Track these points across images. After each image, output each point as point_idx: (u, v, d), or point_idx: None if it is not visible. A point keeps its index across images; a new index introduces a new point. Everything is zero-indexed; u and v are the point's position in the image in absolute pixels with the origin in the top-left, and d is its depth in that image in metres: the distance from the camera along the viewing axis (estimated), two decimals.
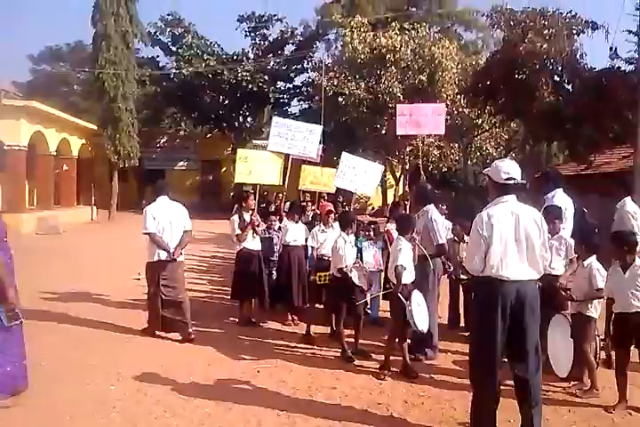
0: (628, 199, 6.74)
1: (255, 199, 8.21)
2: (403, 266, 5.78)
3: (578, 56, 16.35)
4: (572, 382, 5.54)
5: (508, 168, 4.35)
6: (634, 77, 14.05)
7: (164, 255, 7.00)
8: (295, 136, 8.77)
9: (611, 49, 16.17)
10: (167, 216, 7.09)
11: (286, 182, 9.24)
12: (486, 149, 26.03)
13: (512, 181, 4.30)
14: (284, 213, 8.50)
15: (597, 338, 5.65)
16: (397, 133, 9.74)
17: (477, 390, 4.36)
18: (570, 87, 16.73)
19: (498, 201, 4.35)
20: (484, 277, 4.28)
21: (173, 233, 7.08)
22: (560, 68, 16.39)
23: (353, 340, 6.57)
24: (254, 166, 8.55)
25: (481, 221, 4.28)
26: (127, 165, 24.82)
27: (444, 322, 7.74)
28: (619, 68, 16.14)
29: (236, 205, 8.13)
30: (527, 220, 4.27)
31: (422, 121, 9.05)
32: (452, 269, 7.51)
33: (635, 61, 14.97)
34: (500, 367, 4.27)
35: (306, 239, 8.00)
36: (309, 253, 7.91)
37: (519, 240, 4.22)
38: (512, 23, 16.35)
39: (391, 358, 5.92)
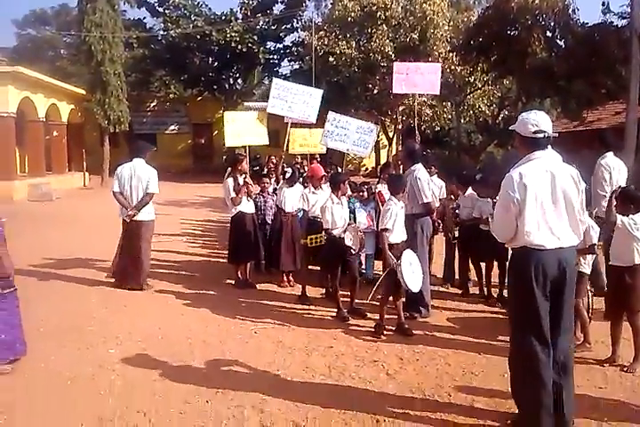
0: (609, 154, 6.67)
1: (247, 162, 8.18)
2: (388, 229, 5.85)
3: (570, 11, 16.11)
4: None
5: (537, 120, 3.81)
6: (626, 32, 13.88)
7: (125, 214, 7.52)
8: (295, 99, 8.64)
9: (603, 4, 15.94)
10: (134, 177, 7.50)
11: (285, 145, 9.19)
12: (479, 107, 25.89)
13: (542, 135, 3.78)
14: (283, 178, 8.44)
15: (589, 293, 5.74)
16: (393, 91, 9.66)
17: (523, 372, 3.84)
18: (562, 43, 16.54)
19: (528, 158, 3.82)
20: (520, 247, 3.82)
21: (139, 194, 7.50)
22: (552, 24, 16.15)
23: (349, 300, 6.65)
24: (242, 128, 8.47)
25: (511, 181, 3.75)
26: (117, 129, 24.56)
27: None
28: (611, 22, 15.92)
29: (229, 169, 8.09)
30: (564, 178, 3.76)
31: (418, 80, 8.95)
32: (444, 227, 7.57)
33: (627, 16, 14.76)
34: (549, 347, 3.74)
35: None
36: (300, 215, 7.91)
37: (556, 202, 3.74)
38: None
39: (386, 316, 6.00)
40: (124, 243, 7.72)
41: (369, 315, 6.47)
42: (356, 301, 6.69)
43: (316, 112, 8.82)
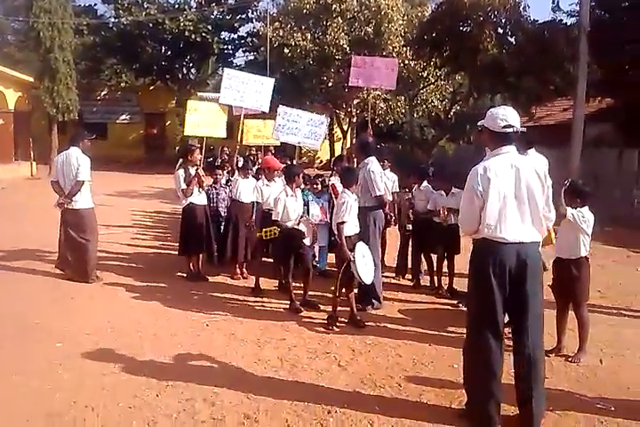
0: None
1: (202, 153, 8.07)
2: (345, 222, 5.86)
3: (521, 9, 16.47)
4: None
5: (506, 115, 3.85)
6: (575, 30, 14.22)
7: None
8: (247, 89, 8.58)
9: (553, 2, 16.33)
10: (65, 166, 7.48)
11: (239, 136, 9.09)
12: (432, 101, 26.18)
13: (511, 129, 3.82)
14: (237, 168, 8.38)
15: None
16: (349, 84, 9.70)
17: (475, 362, 3.92)
18: (513, 40, 16.88)
19: (496, 153, 3.86)
20: (480, 239, 3.88)
21: (71, 183, 7.49)
22: (503, 21, 16.48)
23: (302, 292, 6.66)
24: (203, 119, 8.35)
25: (476, 174, 3.80)
26: (66, 118, 23.93)
27: (391, 273, 7.98)
28: (560, 20, 16.36)
29: (181, 160, 7.98)
30: (529, 173, 3.80)
31: (375, 74, 8.99)
32: (398, 220, 7.64)
33: (576, 14, 15.12)
34: (502, 340, 3.87)
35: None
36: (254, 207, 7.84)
37: (520, 197, 3.78)
38: None
39: (338, 308, 6.03)
40: (64, 233, 7.61)
41: (322, 307, 6.50)
42: (310, 293, 6.70)
43: (269, 101, 8.79)
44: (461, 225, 4.09)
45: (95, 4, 30.91)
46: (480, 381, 3.86)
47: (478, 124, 4.06)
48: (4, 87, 22.51)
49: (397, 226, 7.97)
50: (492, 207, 3.75)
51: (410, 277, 7.87)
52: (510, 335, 3.98)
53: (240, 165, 8.36)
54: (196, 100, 8.81)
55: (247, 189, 7.88)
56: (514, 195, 3.78)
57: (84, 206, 7.56)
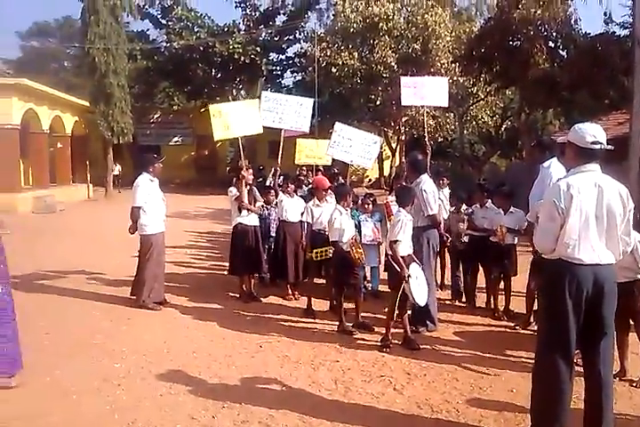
0: (554, 160, 6.31)
1: (242, 160, 7.99)
2: (398, 240, 5.78)
3: (572, 22, 16.27)
4: None
5: (595, 131, 3.71)
6: (629, 42, 13.92)
7: None
8: (286, 110, 8.63)
9: (605, 14, 16.08)
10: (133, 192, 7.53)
11: (279, 157, 9.10)
12: (482, 117, 25.99)
13: (598, 146, 3.67)
14: (279, 188, 8.43)
15: None
16: (403, 104, 9.67)
17: (544, 386, 3.78)
18: (564, 53, 16.66)
19: (579, 169, 3.72)
20: (556, 259, 3.72)
21: None
22: (554, 34, 16.30)
23: (354, 313, 6.59)
24: (231, 120, 8.13)
25: (558, 190, 3.65)
26: (121, 141, 24.66)
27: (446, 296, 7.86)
28: (613, 32, 16.08)
29: (234, 179, 8.02)
30: (612, 194, 3.64)
31: (426, 93, 8.96)
32: (451, 240, 7.51)
33: (629, 26, 14.83)
34: (573, 364, 3.74)
35: (302, 213, 7.93)
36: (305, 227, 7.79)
37: (600, 217, 3.62)
38: None
39: (392, 330, 5.96)
40: None
41: (375, 328, 6.42)
42: (362, 314, 6.63)
43: (309, 121, 8.80)
44: (538, 244, 3.92)
45: (148, 30, 31.69)
46: (548, 405, 3.74)
47: (559, 139, 3.94)
48: (61, 112, 23.31)
49: (451, 246, 7.83)
50: (572, 226, 3.63)
51: (464, 298, 7.72)
52: (579, 361, 3.85)
53: (280, 182, 8.38)
54: (217, 104, 8.42)
55: (293, 209, 7.92)
56: (594, 215, 3.64)
57: (141, 233, 7.50)
